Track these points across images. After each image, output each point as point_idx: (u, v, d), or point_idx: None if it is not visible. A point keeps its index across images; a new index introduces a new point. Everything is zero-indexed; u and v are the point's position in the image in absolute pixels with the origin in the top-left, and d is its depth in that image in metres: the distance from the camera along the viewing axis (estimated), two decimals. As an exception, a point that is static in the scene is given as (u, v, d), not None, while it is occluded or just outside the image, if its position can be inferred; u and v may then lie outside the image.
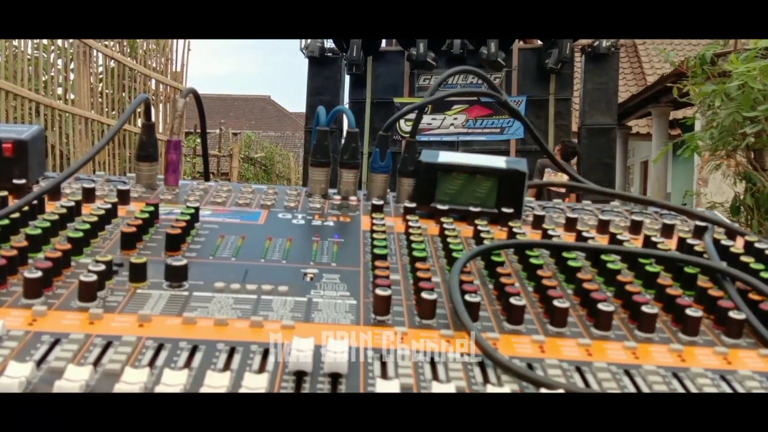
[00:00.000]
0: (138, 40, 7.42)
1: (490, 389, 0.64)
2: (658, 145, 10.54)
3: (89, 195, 1.10)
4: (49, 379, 0.61)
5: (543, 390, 0.64)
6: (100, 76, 6.75)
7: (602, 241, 1.06)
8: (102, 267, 0.78)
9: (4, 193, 1.01)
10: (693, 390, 0.68)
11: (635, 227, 1.13)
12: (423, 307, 0.78)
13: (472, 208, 1.12)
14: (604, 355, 0.73)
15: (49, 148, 5.54)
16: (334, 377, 0.65)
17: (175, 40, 7.98)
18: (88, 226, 0.92)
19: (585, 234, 1.03)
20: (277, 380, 0.64)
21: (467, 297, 0.77)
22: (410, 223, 1.03)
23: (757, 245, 1.01)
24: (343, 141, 1.23)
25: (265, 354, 0.68)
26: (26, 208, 0.95)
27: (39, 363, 0.64)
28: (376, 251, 0.91)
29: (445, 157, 1.17)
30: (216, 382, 0.62)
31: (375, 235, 0.97)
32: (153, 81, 7.64)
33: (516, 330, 0.77)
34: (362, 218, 1.11)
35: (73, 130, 6.01)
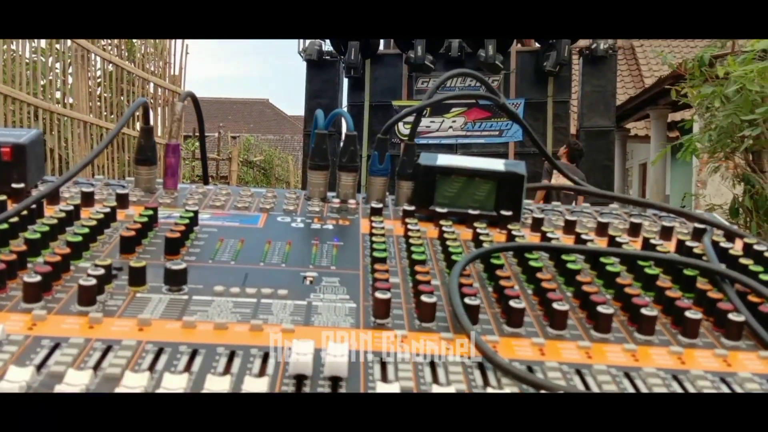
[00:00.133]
0: (136, 44, 7.42)
1: (490, 392, 0.64)
2: (657, 147, 10.56)
3: (88, 199, 1.10)
4: (49, 384, 0.61)
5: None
6: (99, 80, 6.75)
7: (601, 243, 1.06)
8: (101, 271, 0.78)
9: (3, 197, 1.01)
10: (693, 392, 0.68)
11: (634, 229, 1.13)
12: (423, 310, 0.78)
13: (471, 211, 1.12)
14: (603, 358, 0.73)
15: (48, 151, 5.54)
16: (334, 380, 0.65)
17: (173, 44, 7.98)
18: (87, 230, 0.92)
19: (584, 236, 1.03)
20: (278, 384, 0.64)
21: (467, 300, 0.77)
22: (409, 226, 1.03)
23: (756, 247, 1.01)
24: (341, 144, 1.23)
25: (265, 357, 0.68)
26: (25, 212, 0.95)
27: (39, 367, 0.64)
28: (376, 254, 0.91)
29: (444, 160, 1.17)
30: (216, 386, 0.62)
31: (374, 238, 0.97)
32: (151, 84, 7.64)
33: (516, 333, 0.77)
34: (361, 221, 1.11)
35: (71, 134, 6.02)
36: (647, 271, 0.90)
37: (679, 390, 0.68)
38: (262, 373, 0.66)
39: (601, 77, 8.72)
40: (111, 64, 6.79)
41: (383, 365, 0.68)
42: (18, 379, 0.60)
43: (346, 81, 9.05)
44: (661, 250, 1.00)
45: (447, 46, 8.47)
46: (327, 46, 8.96)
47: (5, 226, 0.90)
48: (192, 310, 0.77)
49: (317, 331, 0.74)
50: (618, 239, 1.03)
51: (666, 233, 1.12)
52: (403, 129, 7.15)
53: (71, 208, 1.00)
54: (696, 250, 1.00)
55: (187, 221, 0.98)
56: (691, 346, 0.77)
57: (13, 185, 1.07)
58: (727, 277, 0.89)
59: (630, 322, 0.81)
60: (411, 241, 0.96)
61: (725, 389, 0.69)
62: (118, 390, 0.60)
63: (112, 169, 6.71)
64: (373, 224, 1.03)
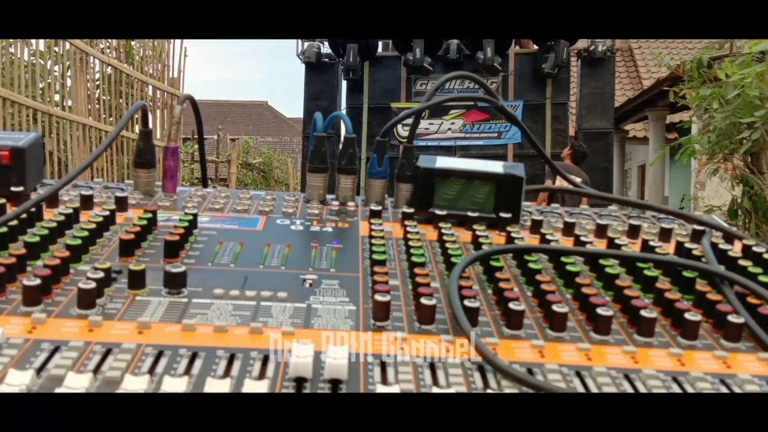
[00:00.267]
0: (134, 47, 7.43)
1: (488, 392, 0.64)
2: (655, 148, 10.57)
3: (87, 202, 1.10)
4: (48, 387, 0.61)
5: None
6: (97, 83, 6.75)
7: (600, 245, 1.06)
8: (101, 274, 0.78)
9: (2, 200, 1.01)
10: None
11: (633, 231, 1.13)
12: (422, 313, 0.78)
13: (470, 213, 1.12)
14: (603, 360, 0.73)
15: (47, 154, 5.54)
16: (334, 383, 0.65)
17: (171, 47, 7.98)
18: (86, 233, 0.92)
19: (583, 238, 1.03)
20: (277, 386, 0.64)
21: (466, 302, 0.77)
22: (408, 229, 1.03)
23: (754, 249, 1.01)
24: (340, 147, 1.23)
25: (265, 360, 0.68)
26: (24, 215, 0.95)
27: (39, 371, 0.64)
28: (375, 257, 0.91)
29: (443, 162, 1.17)
30: (216, 389, 0.62)
31: (373, 241, 0.97)
32: (150, 87, 7.64)
33: (515, 335, 0.77)
34: (360, 224, 1.11)
35: (70, 137, 6.01)
36: (646, 272, 0.90)
37: (680, 392, 0.68)
38: (262, 375, 0.66)
39: (600, 79, 8.73)
40: (110, 67, 6.79)
41: (383, 368, 0.68)
42: (18, 383, 0.60)
43: (344, 83, 9.04)
44: (661, 252, 1.00)
45: (445, 48, 8.47)
46: (325, 48, 8.97)
47: (5, 229, 0.90)
48: (191, 313, 0.77)
49: (317, 333, 0.74)
50: (617, 241, 1.03)
51: (665, 235, 1.13)
52: (402, 131, 7.15)
53: (70, 211, 1.00)
54: (695, 252, 1.00)
55: (186, 224, 0.98)
56: (691, 348, 0.77)
57: (12, 188, 1.07)
58: (727, 279, 0.89)
59: (629, 324, 0.81)
60: (410, 243, 0.96)
61: (725, 391, 0.69)
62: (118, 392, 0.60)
63: (111, 172, 6.71)
64: (373, 227, 1.03)
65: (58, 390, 0.60)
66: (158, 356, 0.68)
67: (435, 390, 0.64)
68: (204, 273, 0.88)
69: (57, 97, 6.04)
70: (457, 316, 0.75)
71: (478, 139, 8.56)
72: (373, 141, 1.31)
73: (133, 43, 7.43)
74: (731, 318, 0.79)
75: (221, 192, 1.24)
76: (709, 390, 0.69)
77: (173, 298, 0.80)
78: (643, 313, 0.78)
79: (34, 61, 5.62)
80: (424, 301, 0.78)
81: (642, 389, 0.68)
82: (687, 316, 0.78)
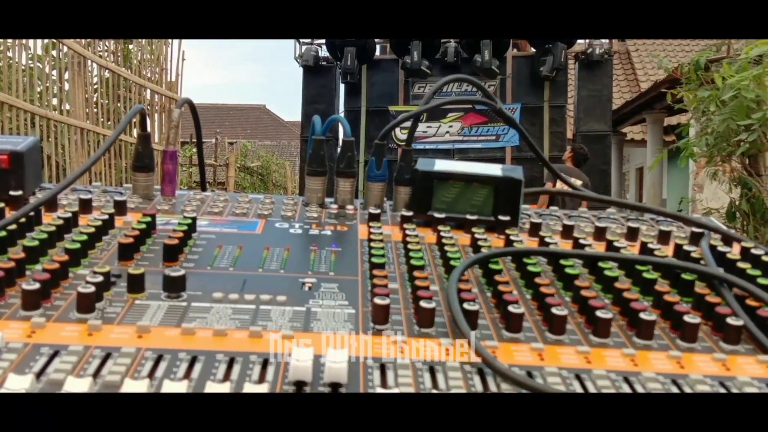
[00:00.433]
0: (132, 51, 7.42)
1: (484, 392, 0.64)
2: (653, 151, 10.57)
3: (86, 206, 1.10)
4: (48, 391, 0.61)
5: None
6: (95, 87, 6.74)
7: (599, 248, 1.06)
8: (100, 278, 0.78)
9: (1, 204, 1.01)
10: (692, 396, 0.68)
11: (632, 234, 1.13)
12: (422, 316, 0.78)
13: (469, 216, 1.12)
14: (603, 363, 0.73)
15: (45, 158, 5.54)
16: (334, 386, 0.65)
17: (169, 50, 7.98)
18: (85, 237, 0.92)
19: (582, 241, 1.03)
20: (277, 390, 0.64)
21: (466, 305, 0.77)
22: (407, 232, 1.03)
23: (753, 251, 1.01)
24: (339, 150, 1.23)
25: (265, 364, 0.68)
26: (23, 219, 0.95)
27: (38, 375, 0.64)
28: (374, 260, 0.91)
29: (442, 165, 1.17)
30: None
31: (372, 244, 0.97)
32: (148, 91, 7.64)
33: (515, 338, 0.77)
34: (359, 227, 1.11)
35: (68, 141, 6.01)
36: (645, 275, 0.90)
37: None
38: (261, 379, 0.66)
39: (597, 82, 8.74)
40: (107, 71, 6.79)
41: (383, 371, 0.68)
42: (17, 387, 0.60)
43: (342, 86, 9.04)
44: (659, 255, 1.00)
45: (443, 51, 8.47)
46: (323, 51, 8.97)
47: (3, 233, 0.90)
48: (191, 316, 0.77)
49: (317, 337, 0.74)
50: (616, 244, 1.03)
51: (663, 237, 1.13)
52: (400, 134, 7.17)
53: (69, 215, 1.00)
54: (694, 255, 1.01)
55: (185, 228, 0.98)
56: (690, 351, 0.77)
57: (11, 193, 1.07)
58: (725, 282, 0.89)
59: (629, 326, 0.81)
60: (409, 246, 0.96)
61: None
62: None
63: (110, 176, 6.70)
64: (372, 230, 1.03)
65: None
66: (158, 360, 0.68)
67: (434, 393, 0.64)
68: (203, 277, 0.88)
69: (55, 101, 6.03)
70: (456, 319, 0.75)
71: (476, 142, 8.57)
72: (371, 144, 1.31)
73: (130, 46, 7.43)
74: (730, 320, 0.79)
75: (220, 195, 1.24)
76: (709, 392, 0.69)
77: (172, 301, 0.80)
78: (642, 315, 0.78)
79: (32, 65, 5.62)
80: (423, 304, 0.78)
81: (641, 392, 0.68)
82: (686, 318, 0.78)
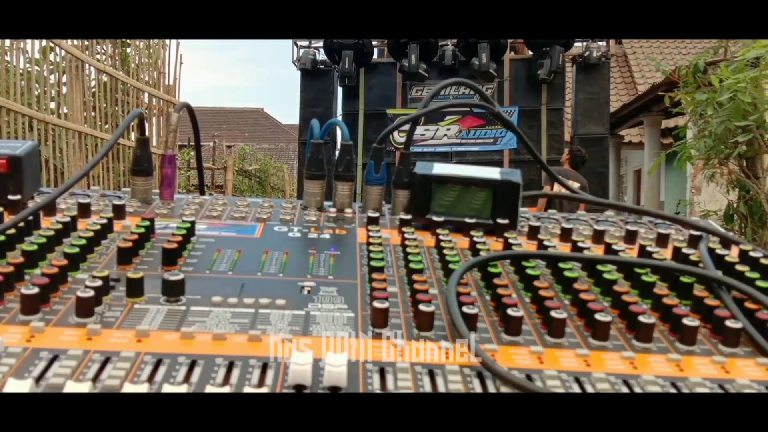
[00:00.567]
0: (130, 54, 7.43)
1: (481, 392, 0.64)
2: (651, 154, 10.59)
3: (85, 210, 1.09)
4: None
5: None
6: (93, 90, 6.74)
7: (598, 251, 1.06)
8: (99, 282, 0.78)
9: (0, 209, 1.01)
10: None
11: (630, 237, 1.13)
12: (421, 319, 0.78)
13: (467, 220, 1.12)
14: (602, 366, 0.73)
15: (43, 162, 5.53)
16: (334, 390, 0.65)
17: (166, 54, 7.99)
18: (84, 241, 0.92)
19: (580, 244, 1.03)
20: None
21: (465, 308, 0.77)
22: (406, 235, 1.03)
23: (751, 254, 1.01)
24: (337, 153, 1.23)
25: (264, 368, 0.68)
26: (22, 224, 0.95)
27: (38, 380, 0.64)
28: (373, 263, 0.91)
29: (440, 168, 1.17)
30: (215, 397, 0.62)
31: (371, 248, 0.97)
32: (146, 95, 7.64)
33: (514, 341, 0.77)
34: (358, 230, 1.11)
35: (66, 145, 6.01)
36: (644, 278, 0.91)
37: (678, 397, 0.68)
38: (261, 383, 0.66)
39: (595, 84, 8.76)
40: (105, 75, 6.79)
41: (382, 374, 0.68)
42: (17, 392, 0.60)
43: (340, 90, 9.06)
44: (658, 258, 1.00)
45: (441, 54, 8.49)
46: (321, 55, 8.99)
47: (2, 238, 0.90)
48: (190, 320, 0.77)
49: (316, 340, 0.74)
50: (614, 247, 1.03)
51: (662, 240, 1.13)
52: (398, 137, 7.17)
53: (68, 219, 1.00)
54: (692, 257, 1.01)
55: (184, 232, 0.98)
56: (689, 354, 0.77)
57: (10, 197, 1.07)
58: (724, 284, 0.90)
59: (628, 329, 0.81)
60: (408, 250, 0.96)
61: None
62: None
63: (108, 179, 6.70)
64: (370, 233, 1.03)
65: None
66: (157, 364, 0.68)
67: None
68: (202, 281, 0.88)
69: (53, 105, 6.03)
70: (455, 323, 0.75)
71: (474, 145, 8.58)
72: (369, 147, 1.31)
73: (128, 50, 7.43)
74: (729, 323, 0.79)
75: (218, 199, 1.24)
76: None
77: (171, 305, 0.80)
78: (641, 318, 0.78)
79: (30, 69, 5.62)
80: (422, 307, 0.78)
81: (639, 392, 0.68)
82: (685, 321, 0.78)
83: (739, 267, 0.95)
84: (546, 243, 1.04)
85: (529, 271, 0.91)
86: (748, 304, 0.85)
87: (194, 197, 1.25)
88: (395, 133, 6.99)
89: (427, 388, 0.67)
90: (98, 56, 6.73)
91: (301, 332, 0.76)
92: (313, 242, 1.05)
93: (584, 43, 8.74)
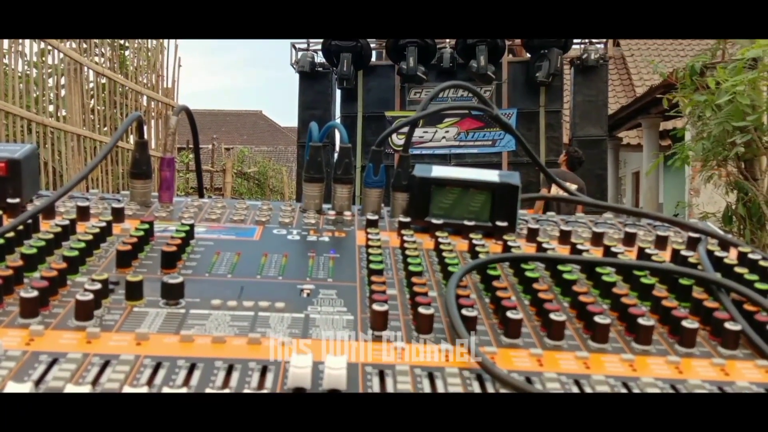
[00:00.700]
0: (128, 57, 7.42)
1: (479, 392, 0.65)
2: (649, 155, 10.60)
3: (84, 213, 1.09)
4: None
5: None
6: (92, 93, 6.74)
7: (597, 253, 1.06)
8: (98, 285, 0.78)
9: (-1, 212, 1.01)
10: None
11: (629, 239, 1.13)
12: (420, 322, 0.78)
13: (466, 222, 1.12)
14: (602, 368, 0.73)
15: (42, 165, 5.53)
16: (333, 393, 0.65)
17: (165, 57, 7.99)
18: (83, 244, 0.92)
19: (579, 247, 1.04)
20: (276, 397, 0.64)
21: (464, 311, 0.77)
22: (405, 238, 1.03)
23: (750, 256, 1.01)
24: (336, 156, 1.23)
25: (264, 371, 0.68)
26: (21, 227, 0.95)
27: (37, 383, 0.64)
28: (372, 266, 0.91)
29: (439, 171, 1.17)
30: (215, 400, 0.62)
31: (370, 250, 0.97)
32: (144, 97, 7.64)
33: (513, 344, 0.77)
34: (357, 233, 1.11)
35: (65, 147, 6.00)
36: (643, 280, 0.91)
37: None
38: (260, 386, 0.66)
39: (593, 87, 8.77)
40: (104, 77, 6.79)
41: (382, 377, 0.68)
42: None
43: (338, 92, 9.06)
44: (657, 260, 1.00)
45: (439, 57, 8.50)
46: (319, 57, 8.99)
47: (1, 241, 0.90)
48: (189, 323, 0.77)
49: (315, 343, 0.74)
50: (613, 249, 1.03)
51: (661, 243, 1.13)
52: (397, 139, 7.17)
53: (67, 222, 1.00)
54: (691, 260, 1.01)
55: (183, 235, 0.98)
56: (689, 356, 0.77)
57: (9, 200, 1.07)
58: (723, 287, 0.90)
59: (627, 332, 0.81)
60: (407, 252, 0.96)
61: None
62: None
63: (107, 182, 6.69)
64: (369, 236, 1.03)
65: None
66: (156, 367, 0.68)
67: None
68: (201, 284, 0.88)
69: (51, 108, 6.03)
70: (454, 325, 0.75)
71: (472, 147, 8.58)
72: (367, 150, 1.31)
73: (126, 53, 7.43)
74: (728, 325, 0.79)
75: (217, 202, 1.24)
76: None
77: (171, 309, 0.80)
78: (640, 321, 0.78)
79: (28, 72, 5.61)
80: (421, 310, 0.78)
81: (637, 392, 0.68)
82: (684, 323, 0.78)
83: (737, 269, 0.96)
84: (545, 245, 1.04)
85: (529, 274, 0.91)
86: (747, 306, 0.85)
87: (193, 200, 1.25)
88: (394, 136, 7.00)
89: (427, 390, 0.67)
90: (96, 59, 6.72)
91: (300, 335, 0.76)
92: (312, 245, 1.05)
93: (582, 46, 8.75)
